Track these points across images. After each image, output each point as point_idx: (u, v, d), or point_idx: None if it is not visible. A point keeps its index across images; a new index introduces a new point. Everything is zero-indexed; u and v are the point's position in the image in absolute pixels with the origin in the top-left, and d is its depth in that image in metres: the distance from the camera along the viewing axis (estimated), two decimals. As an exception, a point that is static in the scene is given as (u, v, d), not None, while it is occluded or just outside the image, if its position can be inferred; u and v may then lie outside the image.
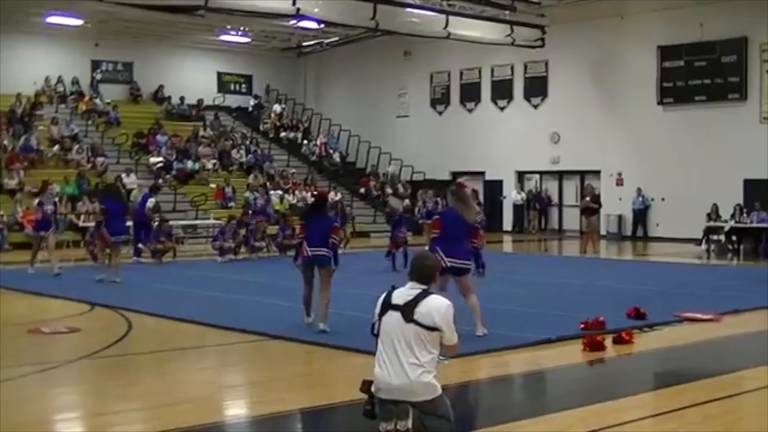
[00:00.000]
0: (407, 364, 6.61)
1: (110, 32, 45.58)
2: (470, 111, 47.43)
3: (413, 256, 7.38)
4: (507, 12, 38.36)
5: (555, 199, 45.07)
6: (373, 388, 6.78)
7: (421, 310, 6.71)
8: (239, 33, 47.70)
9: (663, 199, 39.46)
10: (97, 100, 46.02)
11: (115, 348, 14.39)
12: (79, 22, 42.57)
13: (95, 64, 47.96)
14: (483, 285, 21.08)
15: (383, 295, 6.96)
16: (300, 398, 11.36)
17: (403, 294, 6.86)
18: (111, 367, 13.39)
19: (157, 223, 29.81)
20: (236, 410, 11.16)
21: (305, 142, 50.23)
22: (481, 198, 39.01)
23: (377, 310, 6.93)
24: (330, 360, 13.46)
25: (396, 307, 6.77)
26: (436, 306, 6.78)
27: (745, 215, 34.30)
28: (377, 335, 6.89)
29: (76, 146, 40.70)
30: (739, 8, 36.66)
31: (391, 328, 6.73)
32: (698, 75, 38.39)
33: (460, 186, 16.11)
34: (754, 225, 33.80)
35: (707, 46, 37.96)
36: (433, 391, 6.71)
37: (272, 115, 51.63)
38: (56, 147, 40.51)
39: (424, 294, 6.85)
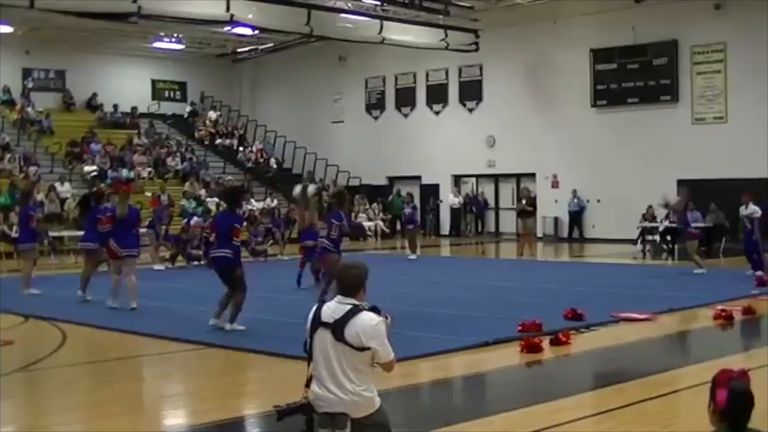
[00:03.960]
0: (342, 381, 6.43)
1: (42, 40, 45.12)
2: (406, 116, 47.52)
3: (339, 266, 6.99)
4: (441, 17, 38.46)
5: (491, 202, 45.24)
6: (311, 397, 6.65)
7: (350, 331, 6.44)
8: (173, 40, 47.42)
9: (598, 201, 39.75)
10: (29, 109, 45.45)
11: (50, 360, 14.23)
12: (9, 29, 41.99)
13: (26, 72, 47.40)
14: (421, 288, 21.17)
15: (313, 311, 6.69)
16: (238, 406, 11.33)
17: (332, 310, 6.56)
18: (46, 379, 13.24)
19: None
20: (174, 420, 11.09)
21: (241, 148, 50.01)
22: (417, 203, 39.11)
23: (308, 326, 6.72)
24: (268, 367, 13.41)
25: (326, 325, 6.54)
26: (363, 326, 6.44)
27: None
28: (310, 352, 6.68)
29: (8, 156, 40.19)
30: (669, 12, 37.07)
31: (323, 346, 6.51)
32: (631, 77, 38.75)
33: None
34: (688, 225, 34.14)
35: (639, 49, 38.34)
36: (370, 406, 6.58)
37: (207, 122, 51.37)
38: (-13, 157, 40.04)
39: (353, 312, 6.51)
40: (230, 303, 16.15)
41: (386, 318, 6.66)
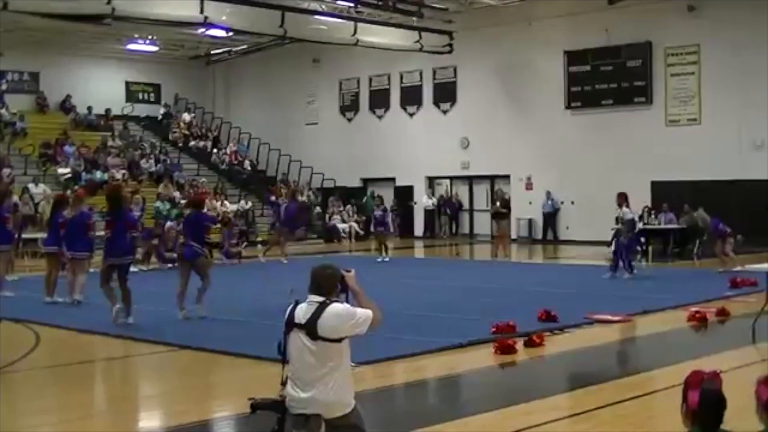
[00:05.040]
0: (318, 382, 6.45)
1: (15, 41, 44.85)
2: (380, 117, 47.54)
3: (312, 267, 7.05)
4: (415, 18, 38.52)
5: (465, 204, 45.25)
6: (286, 398, 6.65)
7: (323, 325, 6.49)
8: (147, 42, 47.35)
9: (572, 203, 39.86)
10: (3, 111, 45.23)
11: (23, 362, 14.17)
12: (-18, 31, 41.90)
13: (0, 74, 47.19)
14: (394, 290, 21.15)
15: (287, 313, 6.74)
16: (213, 408, 11.31)
17: (304, 310, 6.61)
18: (20, 381, 13.18)
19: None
20: (150, 422, 11.09)
21: (215, 150, 49.90)
22: (388, 204, 39.12)
23: (283, 328, 6.73)
24: (242, 369, 13.37)
25: (300, 326, 6.57)
26: (333, 316, 6.44)
27: (653, 217, 34.77)
28: (284, 353, 6.68)
29: (-19, 158, 40.04)
30: (643, 13, 37.21)
31: (298, 346, 6.53)
32: (605, 79, 38.86)
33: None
34: (662, 226, 34.28)
35: (613, 51, 38.45)
36: (346, 406, 6.61)
37: (181, 124, 51.25)
38: (-41, 159, 39.83)
39: (322, 306, 6.58)
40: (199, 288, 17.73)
41: (349, 271, 6.82)
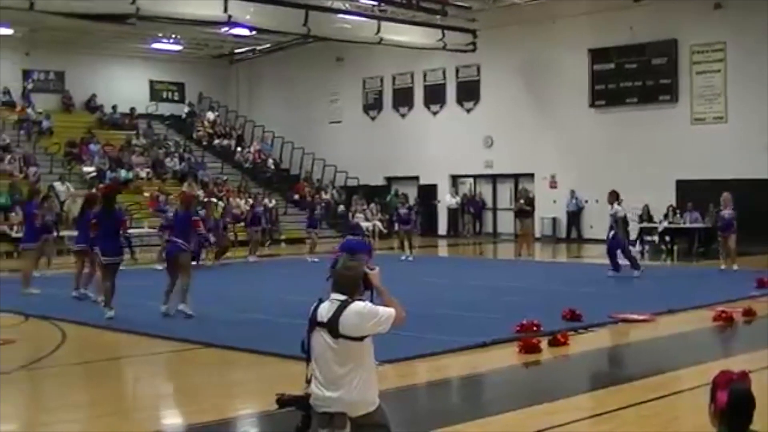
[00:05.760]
0: (341, 381, 6.43)
1: (41, 41, 45.16)
2: (403, 116, 47.49)
3: (336, 266, 7.02)
4: (438, 17, 38.45)
5: (489, 202, 45.19)
6: (311, 401, 6.63)
7: (344, 323, 6.46)
8: (171, 41, 47.46)
9: (597, 201, 39.60)
10: (29, 110, 45.51)
11: (49, 359, 14.24)
12: (9, 31, 42.10)
13: (26, 74, 47.52)
14: (418, 288, 21.11)
15: (311, 311, 6.72)
16: (235, 406, 11.31)
17: (327, 308, 6.56)
18: (46, 378, 13.27)
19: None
20: (172, 419, 11.10)
21: (239, 149, 50.00)
22: (411, 202, 39.06)
23: (306, 326, 6.72)
24: (265, 367, 13.37)
25: (322, 324, 6.56)
26: (354, 314, 6.41)
27: (678, 216, 34.63)
28: (308, 351, 6.67)
29: (8, 156, 40.25)
30: (668, 10, 37.00)
31: (321, 345, 6.52)
32: (629, 77, 38.67)
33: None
34: (687, 225, 34.14)
35: (638, 49, 38.26)
36: (370, 405, 6.58)
37: (205, 122, 51.41)
38: (-13, 157, 40.10)
39: (344, 305, 6.53)
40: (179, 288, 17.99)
41: (373, 269, 6.75)
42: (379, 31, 36.33)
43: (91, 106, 49.10)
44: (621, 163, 38.10)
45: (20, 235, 26.87)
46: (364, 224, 43.24)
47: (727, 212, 26.71)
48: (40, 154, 42.45)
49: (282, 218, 43.01)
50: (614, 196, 25.96)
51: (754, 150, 34.64)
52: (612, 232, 25.83)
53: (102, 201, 19.74)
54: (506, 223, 43.02)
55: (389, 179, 47.51)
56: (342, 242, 24.98)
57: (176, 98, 53.32)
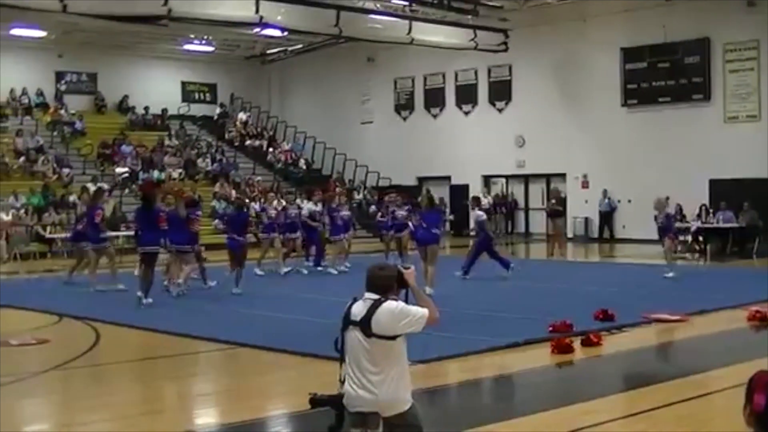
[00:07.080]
0: (375, 380, 6.44)
1: (74, 43, 45.38)
2: (435, 116, 47.45)
3: (369, 266, 6.96)
4: (470, 16, 38.42)
5: (521, 202, 45.10)
6: (344, 401, 6.63)
7: (377, 322, 6.47)
8: (203, 42, 47.63)
9: (629, 201, 39.51)
10: (62, 111, 45.76)
11: (83, 359, 14.33)
12: (42, 33, 42.41)
13: (59, 75, 47.77)
14: (450, 288, 21.10)
15: (345, 310, 6.75)
16: (268, 406, 11.34)
17: (360, 307, 6.60)
18: (80, 378, 13.36)
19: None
20: (205, 419, 11.13)
21: (271, 149, 50.09)
22: (447, 202, 38.98)
23: (340, 326, 6.73)
24: (298, 367, 13.38)
25: (355, 323, 6.56)
26: (386, 313, 6.44)
27: (711, 215, 34.44)
28: (341, 351, 6.68)
29: (42, 158, 40.52)
30: (701, 9, 36.78)
31: (354, 344, 6.53)
32: (662, 76, 38.47)
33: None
34: (721, 225, 33.92)
35: (670, 48, 38.06)
36: (403, 404, 6.58)
37: (237, 123, 51.54)
38: (21, 159, 40.35)
39: (376, 304, 6.55)
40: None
41: (408, 268, 6.80)
42: (410, 31, 36.29)
43: (124, 107, 49.30)
44: (653, 162, 37.92)
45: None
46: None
47: None
48: (72, 155, 42.69)
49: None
50: (476, 202, 28.29)
51: (788, 148, 34.45)
52: (483, 234, 26.69)
53: (143, 198, 20.78)
54: (538, 223, 42.91)
55: (421, 179, 47.46)
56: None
57: (208, 99, 53.45)
